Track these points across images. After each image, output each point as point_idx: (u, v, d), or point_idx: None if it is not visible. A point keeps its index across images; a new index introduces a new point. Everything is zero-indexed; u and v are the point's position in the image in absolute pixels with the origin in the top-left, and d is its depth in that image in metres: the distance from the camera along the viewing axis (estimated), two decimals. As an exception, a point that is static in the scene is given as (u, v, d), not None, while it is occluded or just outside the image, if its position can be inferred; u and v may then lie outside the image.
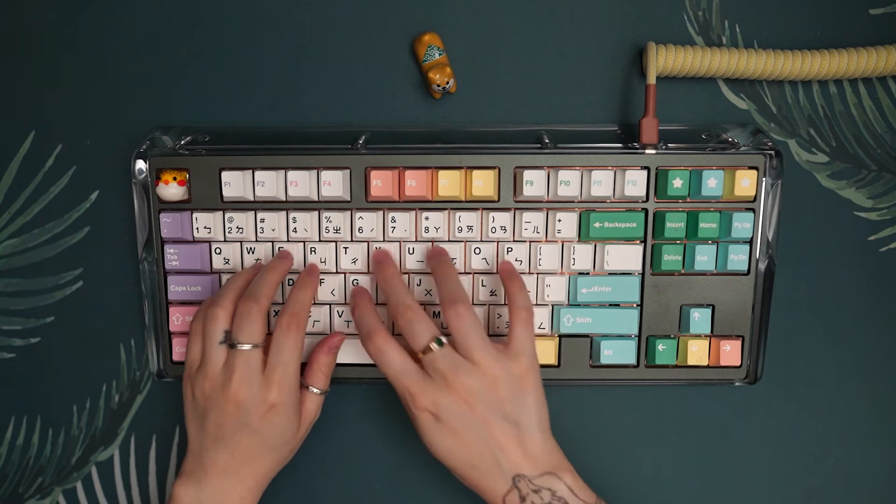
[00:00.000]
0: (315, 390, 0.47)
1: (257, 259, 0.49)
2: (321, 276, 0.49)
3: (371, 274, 0.49)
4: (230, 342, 0.44)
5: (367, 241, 0.49)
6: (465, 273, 0.49)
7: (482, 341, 0.43)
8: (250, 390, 0.43)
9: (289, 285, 0.49)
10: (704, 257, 0.48)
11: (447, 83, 0.49)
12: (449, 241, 0.49)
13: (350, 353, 0.50)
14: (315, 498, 0.54)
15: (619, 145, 0.48)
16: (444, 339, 0.43)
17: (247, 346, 0.43)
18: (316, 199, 0.48)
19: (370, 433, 0.53)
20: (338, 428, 0.53)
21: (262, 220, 0.48)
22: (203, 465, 0.45)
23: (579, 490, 0.43)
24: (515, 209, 0.48)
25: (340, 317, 0.49)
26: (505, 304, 0.49)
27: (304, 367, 0.48)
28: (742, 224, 0.47)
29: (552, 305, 0.49)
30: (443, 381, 0.43)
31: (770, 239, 0.48)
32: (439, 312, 0.49)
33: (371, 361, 0.49)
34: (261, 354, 0.44)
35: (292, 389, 0.44)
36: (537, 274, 0.49)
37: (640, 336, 0.50)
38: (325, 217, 0.48)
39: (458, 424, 0.43)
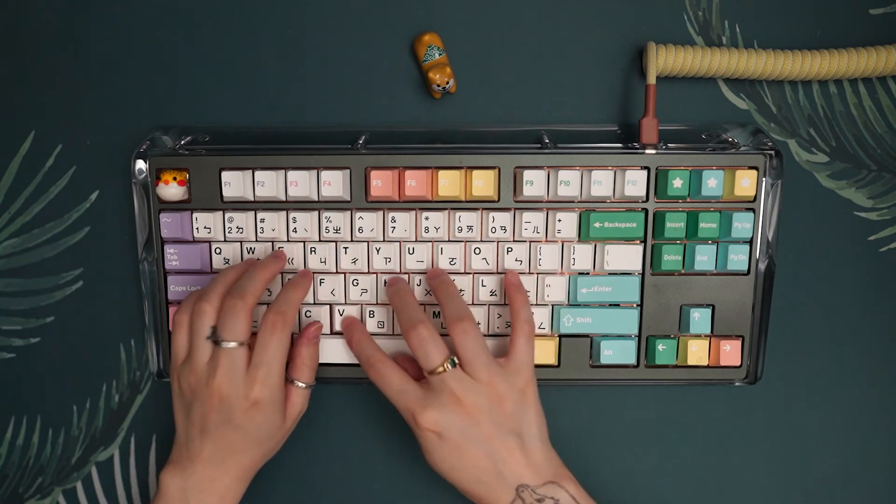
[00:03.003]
0: (300, 384, 0.47)
1: (250, 254, 0.49)
2: (321, 277, 0.49)
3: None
4: (215, 339, 0.44)
5: (367, 241, 0.49)
6: (465, 273, 0.49)
7: (488, 359, 0.43)
8: (233, 386, 0.43)
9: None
10: (704, 257, 0.48)
11: (447, 83, 0.49)
12: (449, 241, 0.49)
13: (346, 353, 0.50)
14: (313, 497, 0.54)
15: (619, 145, 0.48)
16: (456, 360, 0.43)
17: (231, 344, 0.43)
18: (316, 199, 0.48)
19: (368, 432, 0.53)
20: (336, 427, 0.53)
21: (262, 220, 0.48)
22: (189, 454, 0.45)
23: (581, 498, 0.43)
24: (515, 209, 0.48)
25: (341, 315, 0.49)
26: (505, 304, 0.49)
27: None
28: (742, 224, 0.47)
29: (552, 305, 0.49)
30: (450, 398, 0.43)
31: (770, 239, 0.48)
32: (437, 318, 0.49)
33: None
34: (245, 352, 0.44)
35: (275, 387, 0.44)
36: (537, 274, 0.49)
37: (640, 336, 0.50)
38: (325, 217, 0.48)
39: (462, 440, 0.43)
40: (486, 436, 0.43)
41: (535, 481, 0.43)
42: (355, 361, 0.50)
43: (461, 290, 0.49)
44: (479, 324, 0.49)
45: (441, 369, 0.43)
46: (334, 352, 0.50)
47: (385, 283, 0.49)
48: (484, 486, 0.43)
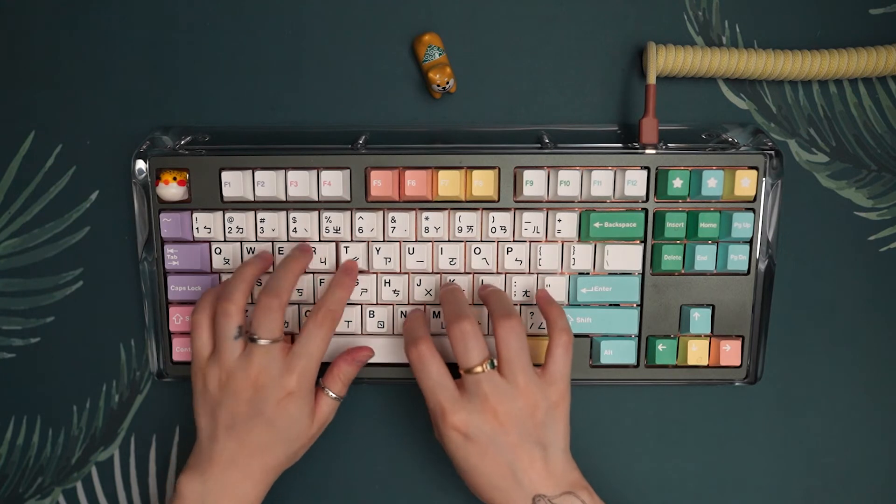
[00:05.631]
0: (332, 394, 0.47)
1: (250, 254, 0.49)
2: (321, 277, 0.49)
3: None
4: (249, 336, 0.44)
5: (367, 241, 0.49)
6: (465, 273, 0.49)
7: (527, 364, 0.43)
8: (270, 376, 0.43)
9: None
10: (704, 257, 0.48)
11: (447, 83, 0.49)
12: (449, 241, 0.49)
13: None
14: (318, 497, 0.54)
15: (619, 145, 0.48)
16: (494, 362, 0.43)
17: (266, 342, 0.43)
18: (316, 199, 0.48)
19: (373, 433, 0.53)
20: (342, 428, 0.53)
21: (262, 220, 0.48)
22: (210, 456, 0.44)
23: None
24: (515, 209, 0.48)
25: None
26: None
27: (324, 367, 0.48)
28: (742, 224, 0.47)
29: (552, 305, 0.49)
30: (482, 402, 0.42)
31: (770, 239, 0.48)
32: (440, 317, 0.49)
33: (376, 360, 0.50)
34: (281, 346, 0.44)
35: (310, 381, 0.45)
36: (537, 274, 0.49)
37: (640, 336, 0.50)
38: (325, 217, 0.48)
39: (488, 445, 0.43)
40: (512, 444, 0.43)
41: (552, 491, 0.43)
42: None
43: (462, 290, 0.49)
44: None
45: (479, 369, 0.42)
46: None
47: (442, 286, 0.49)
48: (500, 492, 0.43)
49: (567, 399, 0.44)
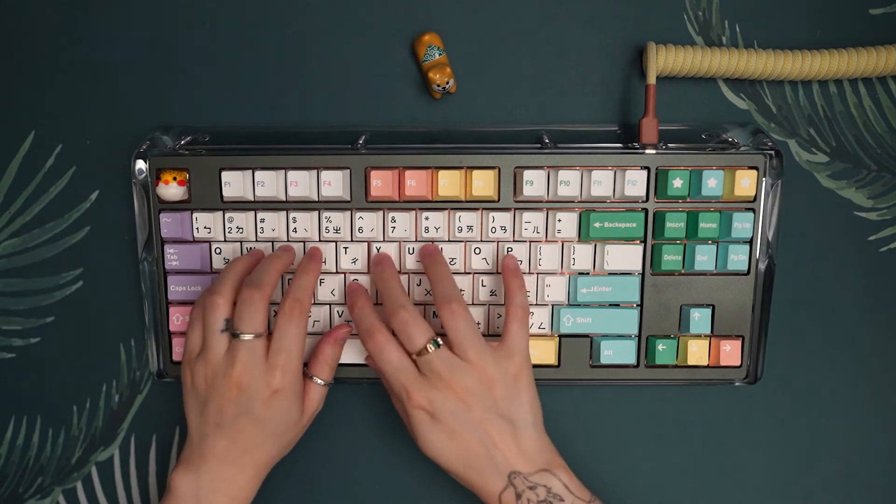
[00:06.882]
0: (319, 381, 0.47)
1: (250, 247, 0.49)
2: (321, 277, 0.49)
3: (369, 275, 0.49)
4: (232, 331, 0.44)
5: (367, 241, 0.49)
6: (465, 273, 0.49)
7: (477, 340, 0.43)
8: (253, 376, 0.43)
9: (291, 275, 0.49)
10: (704, 257, 0.48)
11: (447, 83, 0.49)
12: (449, 241, 0.49)
13: (353, 353, 0.50)
14: (316, 496, 0.54)
15: (619, 145, 0.48)
16: (440, 341, 0.43)
17: (249, 336, 0.43)
18: (316, 199, 0.48)
19: (371, 433, 0.53)
20: (339, 427, 0.53)
21: (262, 220, 0.48)
22: (202, 452, 0.44)
23: (574, 487, 0.43)
24: (515, 209, 0.48)
25: (340, 316, 0.49)
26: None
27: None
28: (742, 224, 0.47)
29: (552, 305, 0.49)
30: (439, 380, 0.43)
31: (770, 239, 0.48)
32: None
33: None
34: (264, 342, 0.44)
35: (295, 374, 0.44)
36: (537, 274, 0.49)
37: (640, 336, 0.50)
38: (325, 217, 0.48)
39: (455, 423, 0.43)
40: (478, 420, 0.43)
41: (528, 468, 0.43)
42: (359, 361, 0.50)
43: (462, 290, 0.48)
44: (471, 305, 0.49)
45: (424, 350, 0.43)
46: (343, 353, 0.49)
47: (371, 260, 0.48)
48: (475, 471, 0.43)
49: (527, 371, 0.44)
